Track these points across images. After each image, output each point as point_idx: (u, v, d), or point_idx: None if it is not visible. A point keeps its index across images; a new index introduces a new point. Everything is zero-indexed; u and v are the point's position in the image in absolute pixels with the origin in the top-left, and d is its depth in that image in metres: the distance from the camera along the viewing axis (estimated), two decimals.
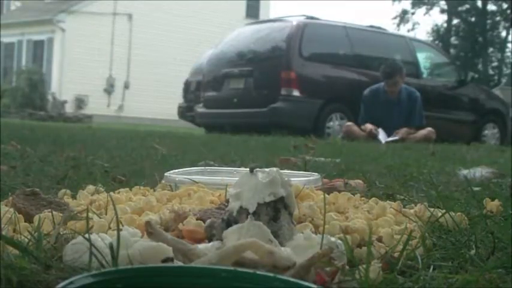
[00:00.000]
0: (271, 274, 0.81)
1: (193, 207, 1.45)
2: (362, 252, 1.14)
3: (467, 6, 35.52)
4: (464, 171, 2.86)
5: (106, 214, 1.42)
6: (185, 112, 12.88)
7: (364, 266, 0.93)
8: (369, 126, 8.33)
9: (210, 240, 1.10)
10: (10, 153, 3.27)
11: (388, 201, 1.65)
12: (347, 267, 0.99)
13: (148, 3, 26.04)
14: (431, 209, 1.50)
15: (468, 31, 35.11)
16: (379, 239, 1.25)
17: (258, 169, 1.13)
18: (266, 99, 9.93)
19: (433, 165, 3.57)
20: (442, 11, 36.27)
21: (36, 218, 1.29)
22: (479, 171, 2.79)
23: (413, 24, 38.50)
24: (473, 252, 1.16)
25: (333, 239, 1.05)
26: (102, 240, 0.99)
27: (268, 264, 0.92)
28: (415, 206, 1.61)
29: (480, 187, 2.22)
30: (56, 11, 26.00)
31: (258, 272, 0.81)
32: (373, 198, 1.62)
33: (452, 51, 33.55)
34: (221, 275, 0.80)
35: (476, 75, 14.93)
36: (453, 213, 1.45)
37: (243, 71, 10.54)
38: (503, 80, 32.38)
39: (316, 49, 10.59)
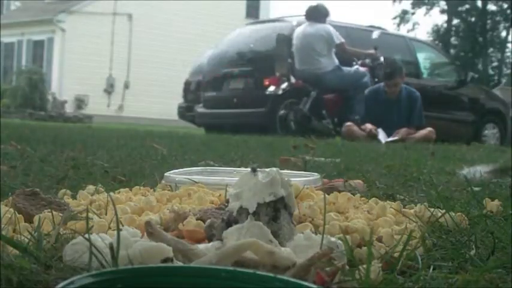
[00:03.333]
0: (271, 274, 0.81)
1: (193, 207, 1.45)
2: (362, 252, 1.14)
3: (467, 6, 35.52)
4: (464, 171, 2.86)
5: (106, 214, 1.42)
6: (185, 112, 12.86)
7: (364, 266, 0.93)
8: (368, 126, 8.33)
9: (210, 240, 1.09)
10: (10, 153, 3.27)
11: (388, 201, 1.65)
12: (347, 267, 0.99)
13: (148, 3, 26.02)
14: (431, 209, 1.50)
15: (468, 31, 35.11)
16: (379, 239, 1.25)
17: (258, 169, 1.13)
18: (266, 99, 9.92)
19: (433, 165, 3.57)
20: (442, 11, 36.27)
21: (36, 218, 1.29)
22: (479, 171, 2.78)
23: (414, 25, 38.45)
24: (473, 252, 1.16)
25: (333, 239, 1.04)
26: (102, 240, 0.99)
27: (268, 264, 0.92)
28: (415, 206, 1.61)
29: (480, 187, 2.22)
30: (56, 11, 26.00)
31: (258, 272, 0.81)
32: (373, 198, 1.62)
33: (452, 51, 33.55)
34: (221, 275, 0.80)
35: (476, 75, 14.91)
36: (453, 213, 1.44)
37: (243, 71, 10.53)
38: (503, 80, 32.37)
39: None
